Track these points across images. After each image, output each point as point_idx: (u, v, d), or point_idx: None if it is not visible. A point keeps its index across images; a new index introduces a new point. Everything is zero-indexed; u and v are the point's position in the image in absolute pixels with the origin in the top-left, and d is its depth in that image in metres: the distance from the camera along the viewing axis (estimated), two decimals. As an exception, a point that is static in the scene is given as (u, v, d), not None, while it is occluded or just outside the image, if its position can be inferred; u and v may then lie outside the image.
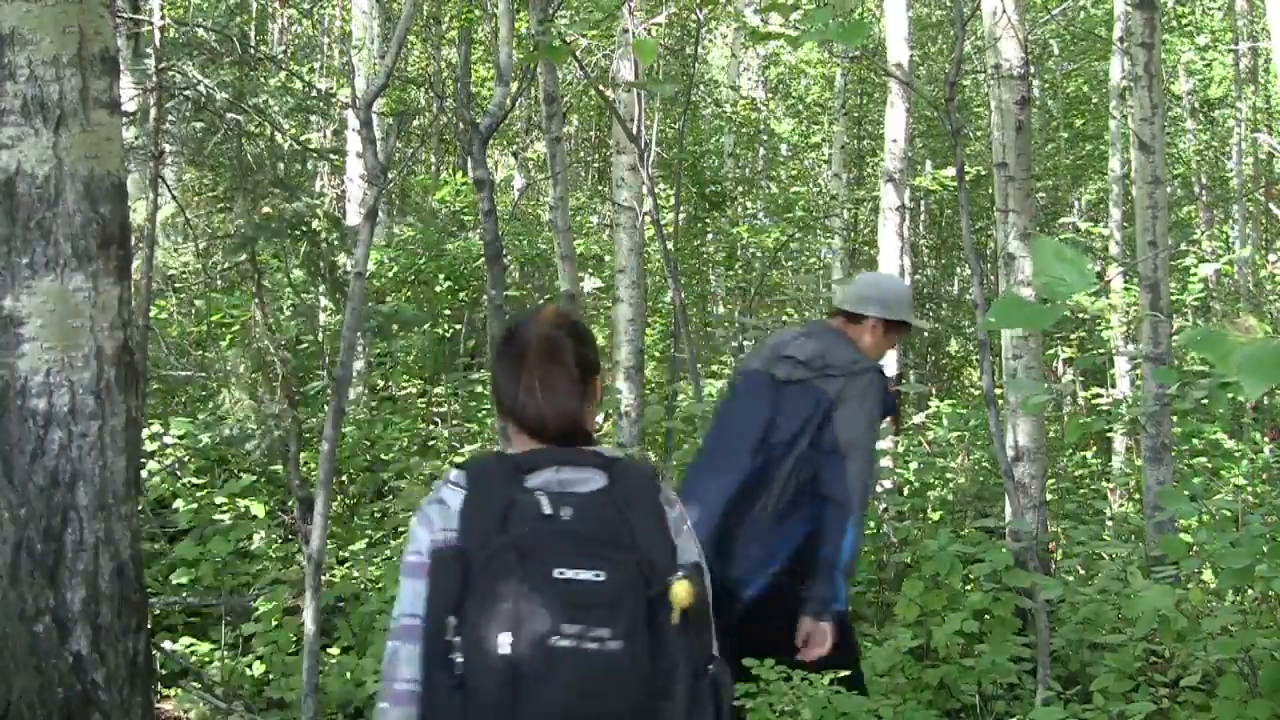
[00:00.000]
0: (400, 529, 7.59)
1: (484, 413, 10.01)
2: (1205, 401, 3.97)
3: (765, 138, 16.33)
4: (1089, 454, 10.83)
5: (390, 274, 12.16)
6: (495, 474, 1.94)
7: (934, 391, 13.64)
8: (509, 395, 2.01)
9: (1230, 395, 3.85)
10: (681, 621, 1.86)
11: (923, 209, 16.80)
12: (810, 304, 16.21)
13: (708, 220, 13.83)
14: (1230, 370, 1.53)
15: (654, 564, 1.87)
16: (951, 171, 10.27)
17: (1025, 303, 1.75)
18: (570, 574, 1.81)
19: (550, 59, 5.77)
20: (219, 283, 9.53)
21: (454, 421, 9.98)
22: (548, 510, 1.87)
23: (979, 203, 14.25)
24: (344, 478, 8.42)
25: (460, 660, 1.80)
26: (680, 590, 1.85)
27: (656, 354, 13.26)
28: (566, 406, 1.99)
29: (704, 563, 1.99)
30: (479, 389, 10.50)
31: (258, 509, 6.87)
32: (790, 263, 15.90)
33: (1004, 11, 5.96)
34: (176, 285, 9.09)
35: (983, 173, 13.77)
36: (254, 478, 7.29)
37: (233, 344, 8.46)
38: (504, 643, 1.78)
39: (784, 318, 16.32)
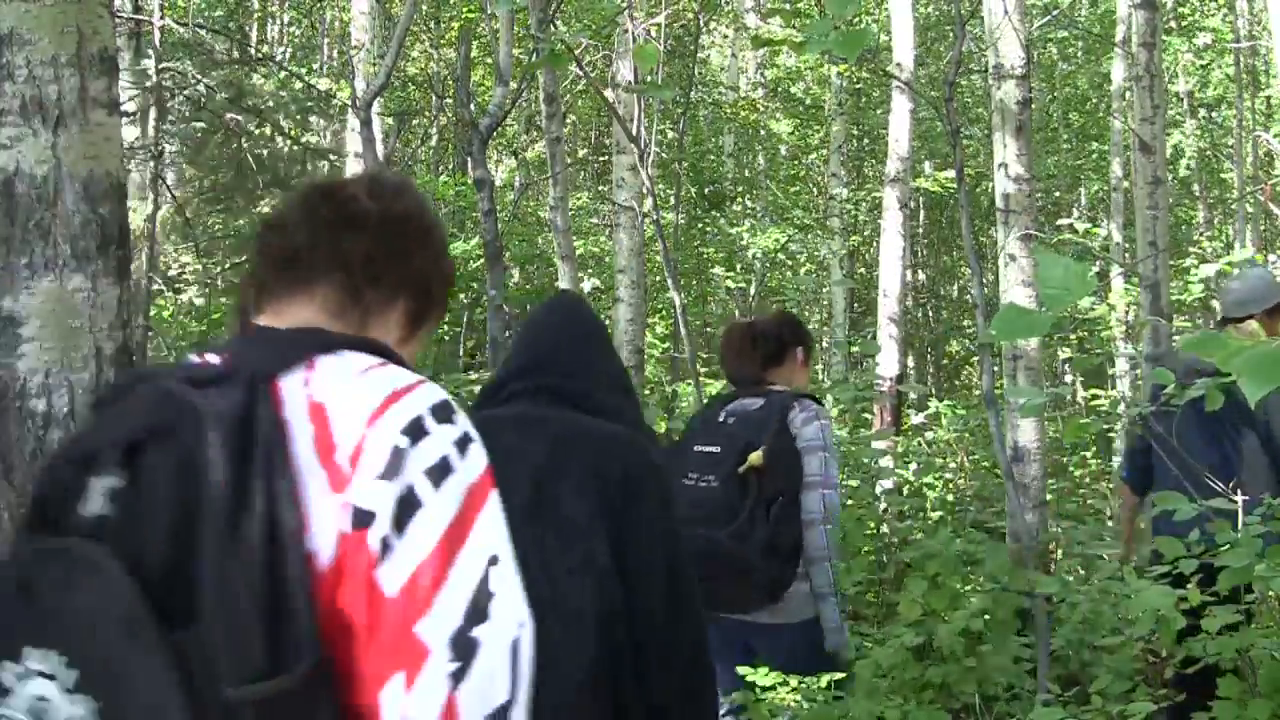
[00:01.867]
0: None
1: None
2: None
3: (764, 137, 16.33)
4: (1089, 453, 10.83)
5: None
6: (712, 402, 3.69)
7: (934, 391, 13.65)
8: (722, 361, 3.74)
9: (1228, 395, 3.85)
10: (754, 473, 3.27)
11: (923, 209, 16.81)
12: (810, 304, 16.21)
13: (707, 220, 13.83)
14: (1231, 373, 1.53)
15: (752, 443, 3.30)
16: (952, 173, 10.26)
17: (1025, 311, 1.80)
18: (702, 448, 3.36)
19: (552, 66, 5.77)
20: (219, 284, 9.52)
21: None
22: (721, 419, 3.47)
23: (980, 203, 14.25)
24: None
25: None
26: (753, 456, 3.27)
27: (656, 354, 13.25)
28: (746, 369, 3.57)
29: (806, 444, 3.38)
30: (478, 389, 10.48)
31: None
32: (790, 262, 15.91)
33: (1005, 11, 5.96)
34: (177, 285, 9.09)
35: (984, 174, 13.76)
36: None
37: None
38: None
39: (784, 318, 16.29)
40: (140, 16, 6.83)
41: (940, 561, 4.97)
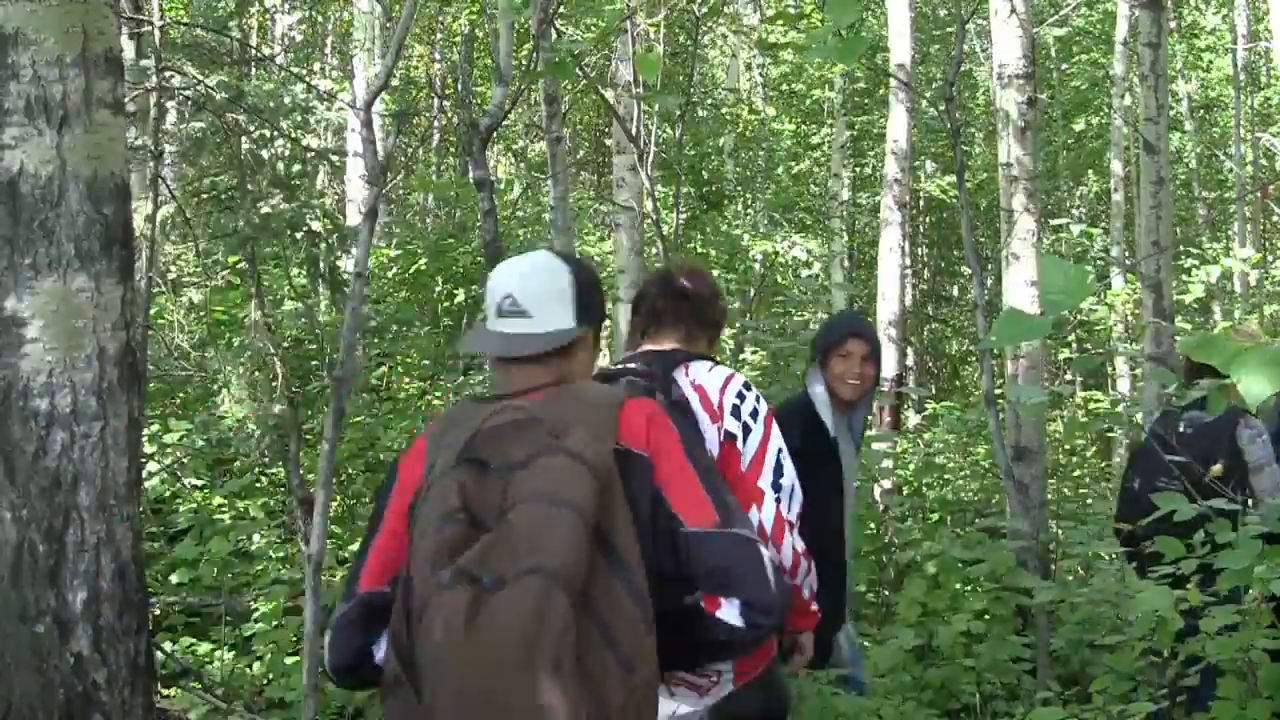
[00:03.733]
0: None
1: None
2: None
3: (765, 137, 16.31)
4: (1090, 453, 10.83)
5: (389, 274, 12.14)
6: (1171, 414, 4.36)
7: (933, 392, 13.65)
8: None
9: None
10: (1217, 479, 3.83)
11: (923, 209, 16.80)
12: (811, 306, 16.20)
13: (705, 220, 13.83)
14: (1232, 375, 1.54)
15: (1209, 453, 3.91)
16: (954, 178, 10.24)
17: (1024, 316, 1.82)
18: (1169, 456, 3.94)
19: (555, 75, 5.77)
20: (220, 281, 9.51)
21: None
22: (1180, 429, 4.02)
23: (980, 203, 14.24)
24: (343, 478, 8.41)
25: None
26: (1214, 469, 3.77)
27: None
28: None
29: (1255, 460, 3.82)
30: (479, 390, 10.48)
31: (256, 510, 6.87)
32: (790, 264, 15.89)
33: (1011, 12, 5.96)
34: (176, 286, 9.08)
35: (981, 177, 13.74)
36: (254, 479, 7.28)
37: (230, 344, 8.45)
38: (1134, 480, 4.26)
39: (784, 320, 16.31)
40: (141, 17, 6.82)
41: (939, 563, 4.98)
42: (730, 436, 2.62)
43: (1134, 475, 4.09)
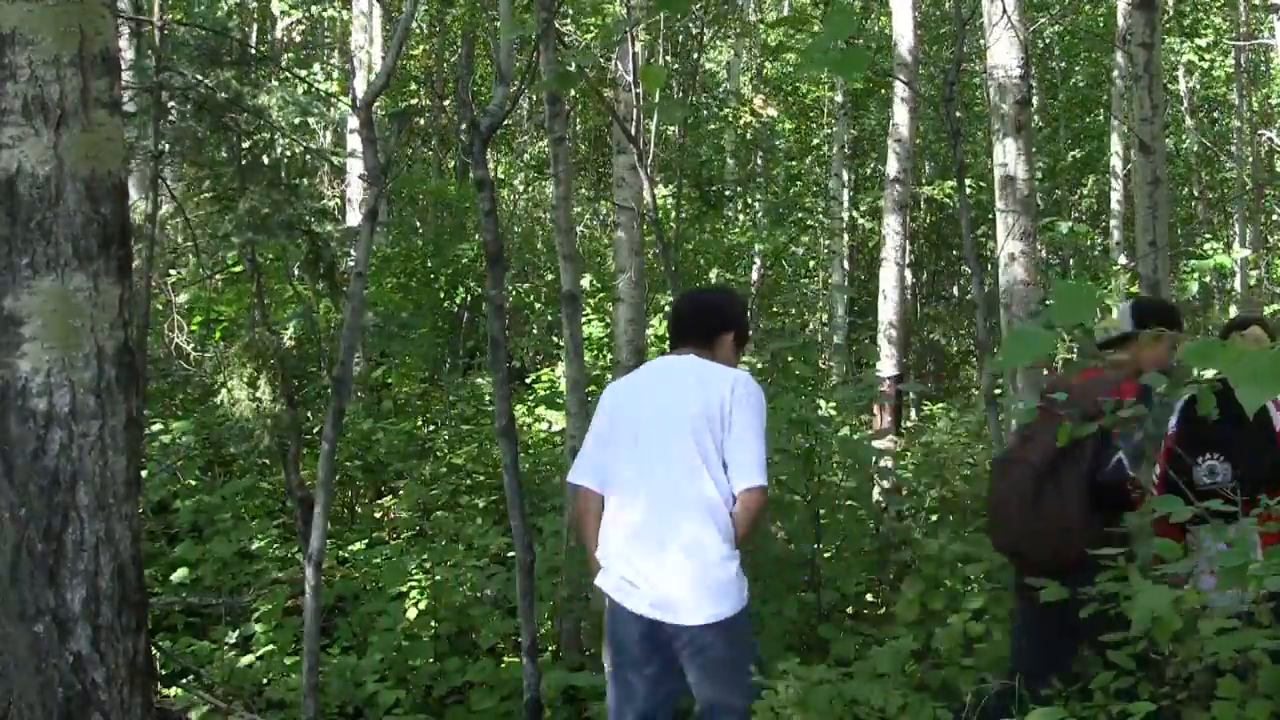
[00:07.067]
0: (399, 529, 7.58)
1: (485, 419, 9.98)
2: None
3: (765, 136, 16.31)
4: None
5: (386, 275, 12.14)
6: None
7: (933, 392, 13.63)
8: None
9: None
10: None
11: (923, 208, 16.80)
12: (811, 305, 16.19)
13: (705, 220, 13.82)
14: (1231, 380, 1.53)
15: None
16: (953, 181, 10.23)
17: (1029, 335, 1.80)
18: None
19: (559, 88, 5.76)
20: (219, 280, 9.51)
21: (452, 422, 9.96)
22: None
23: (980, 201, 14.23)
24: (349, 474, 8.41)
25: None
26: None
27: (655, 354, 13.22)
28: None
29: None
30: (480, 390, 10.49)
31: (254, 511, 6.87)
32: (790, 265, 15.88)
33: (1004, 12, 5.96)
34: (176, 286, 9.09)
35: (981, 185, 13.72)
36: (254, 478, 7.28)
37: (222, 341, 8.45)
38: None
39: (785, 319, 16.32)
40: (141, 17, 6.82)
41: (937, 563, 4.97)
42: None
43: None
